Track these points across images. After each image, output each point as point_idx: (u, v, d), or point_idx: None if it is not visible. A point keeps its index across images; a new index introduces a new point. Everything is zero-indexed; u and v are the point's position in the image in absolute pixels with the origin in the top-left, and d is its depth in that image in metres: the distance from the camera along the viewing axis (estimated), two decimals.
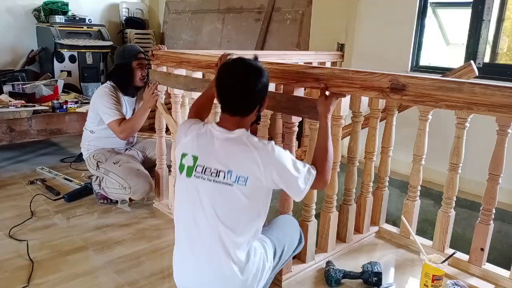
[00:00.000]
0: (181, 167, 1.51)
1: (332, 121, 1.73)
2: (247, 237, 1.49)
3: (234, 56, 1.88)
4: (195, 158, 1.48)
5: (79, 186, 2.87)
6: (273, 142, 1.49)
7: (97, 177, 2.70)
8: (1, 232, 2.28)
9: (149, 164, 2.84)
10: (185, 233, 1.52)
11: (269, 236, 1.61)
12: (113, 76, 2.72)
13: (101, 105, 2.60)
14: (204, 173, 1.45)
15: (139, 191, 2.56)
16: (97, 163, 2.66)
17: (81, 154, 3.56)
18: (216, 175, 1.43)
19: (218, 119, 2.23)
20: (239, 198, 1.43)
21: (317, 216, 2.02)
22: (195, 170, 1.47)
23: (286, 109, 1.74)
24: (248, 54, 2.05)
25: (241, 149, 1.44)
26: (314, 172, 1.53)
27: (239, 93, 1.46)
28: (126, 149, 2.86)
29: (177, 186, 1.57)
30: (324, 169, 1.58)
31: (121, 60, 2.70)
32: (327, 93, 1.66)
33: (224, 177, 1.43)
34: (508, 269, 1.94)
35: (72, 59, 4.65)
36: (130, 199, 2.62)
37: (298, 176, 1.47)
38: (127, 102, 2.76)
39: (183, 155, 1.51)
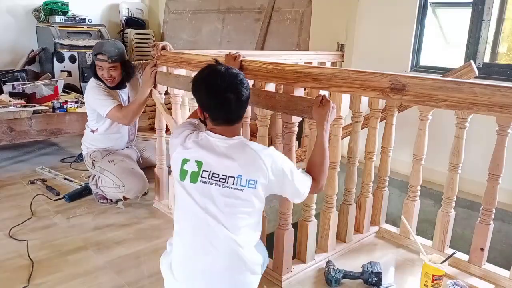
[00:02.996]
0: (183, 173, 1.48)
1: (332, 121, 1.73)
2: (255, 238, 1.54)
3: (242, 57, 1.89)
4: (199, 163, 1.46)
5: (80, 186, 2.87)
6: (272, 146, 1.54)
7: (94, 176, 2.71)
8: (1, 232, 2.28)
9: (145, 165, 2.85)
10: (193, 239, 1.50)
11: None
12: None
13: (93, 99, 2.59)
14: (212, 178, 1.44)
15: (132, 189, 2.56)
16: (92, 162, 2.68)
17: (81, 154, 3.56)
18: (225, 181, 1.44)
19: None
20: (251, 201, 1.45)
21: (317, 216, 2.02)
22: (201, 175, 1.45)
23: (286, 109, 1.74)
24: (248, 54, 2.05)
25: (246, 153, 1.46)
26: (310, 177, 1.60)
27: (238, 103, 1.48)
28: (126, 147, 2.87)
29: (179, 192, 1.53)
30: (319, 176, 1.62)
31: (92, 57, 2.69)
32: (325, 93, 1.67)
33: (233, 183, 1.43)
34: (508, 269, 1.94)
35: (72, 59, 4.65)
36: (124, 198, 2.62)
37: (298, 177, 1.53)
38: (121, 94, 2.74)
39: (184, 161, 1.49)
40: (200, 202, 1.46)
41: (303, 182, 1.56)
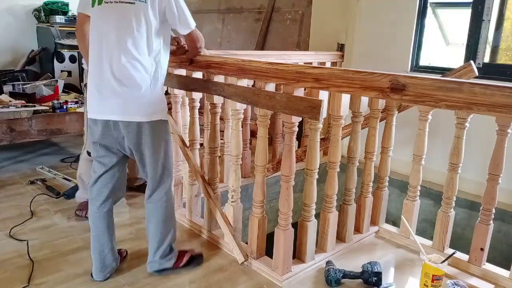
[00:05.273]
0: (93, 1, 1.72)
1: (332, 121, 1.73)
2: (148, 55, 1.75)
3: None
4: None
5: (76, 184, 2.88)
6: None
7: None
8: (2, 232, 2.29)
9: None
10: (99, 54, 1.69)
11: None
12: None
13: None
14: None
15: None
16: None
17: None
18: None
19: (218, 120, 2.24)
20: (143, 14, 1.68)
21: (317, 216, 2.02)
22: None
23: (286, 109, 1.74)
24: (248, 54, 2.05)
25: None
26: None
27: None
28: None
29: (91, 23, 1.75)
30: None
31: None
32: None
33: None
34: (508, 269, 1.94)
35: (72, 59, 4.65)
36: None
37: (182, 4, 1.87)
38: None
39: None
40: (104, 22, 1.69)
41: (188, 13, 1.89)
